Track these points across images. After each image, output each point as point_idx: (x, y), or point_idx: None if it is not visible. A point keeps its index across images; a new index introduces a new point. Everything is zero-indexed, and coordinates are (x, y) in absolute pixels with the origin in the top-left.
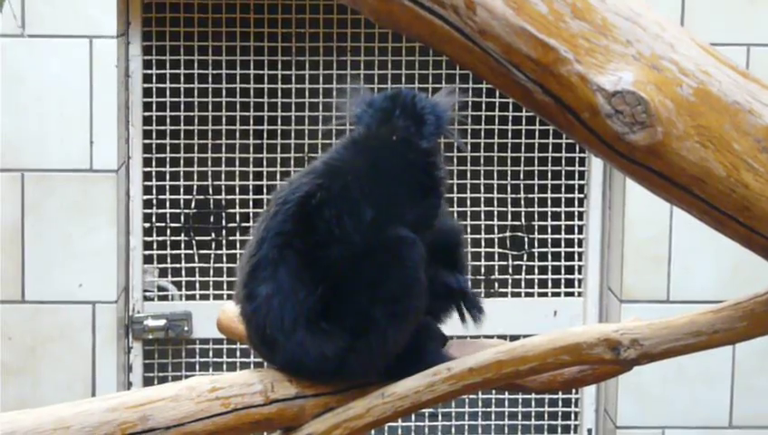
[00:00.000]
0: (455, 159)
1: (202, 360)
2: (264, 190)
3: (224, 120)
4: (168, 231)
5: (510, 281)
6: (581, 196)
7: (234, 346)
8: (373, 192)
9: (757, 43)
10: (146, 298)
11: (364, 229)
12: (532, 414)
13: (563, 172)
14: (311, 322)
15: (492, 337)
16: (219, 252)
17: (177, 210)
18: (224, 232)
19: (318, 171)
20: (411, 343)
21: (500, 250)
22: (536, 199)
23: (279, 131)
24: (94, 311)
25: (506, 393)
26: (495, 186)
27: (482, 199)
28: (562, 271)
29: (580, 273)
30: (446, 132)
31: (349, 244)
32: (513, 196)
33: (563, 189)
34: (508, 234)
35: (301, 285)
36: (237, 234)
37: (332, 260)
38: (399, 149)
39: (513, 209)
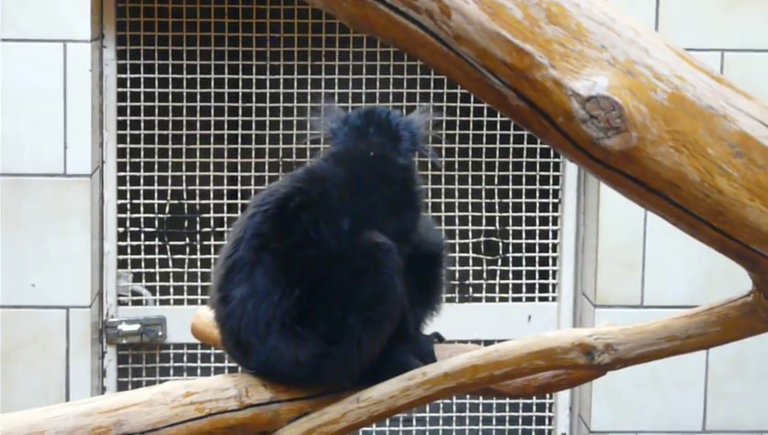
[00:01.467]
0: (429, 165)
1: (176, 365)
2: (239, 195)
3: (198, 124)
4: (143, 236)
5: (484, 286)
6: (556, 201)
7: (208, 351)
8: (351, 201)
9: (731, 48)
10: (120, 303)
11: (341, 235)
12: (507, 419)
13: (538, 177)
14: (285, 326)
15: (466, 342)
16: (194, 257)
17: (152, 215)
18: (198, 237)
19: (297, 177)
20: (386, 348)
21: (474, 255)
22: (510, 204)
23: (253, 136)
24: (68, 316)
25: (480, 398)
26: (470, 191)
27: (456, 204)
28: (537, 276)
29: (554, 278)
30: (421, 149)
31: (325, 249)
32: (488, 201)
33: (538, 194)
34: (482, 239)
35: (276, 287)
36: (212, 239)
37: (308, 264)
38: (377, 165)
39: (488, 214)
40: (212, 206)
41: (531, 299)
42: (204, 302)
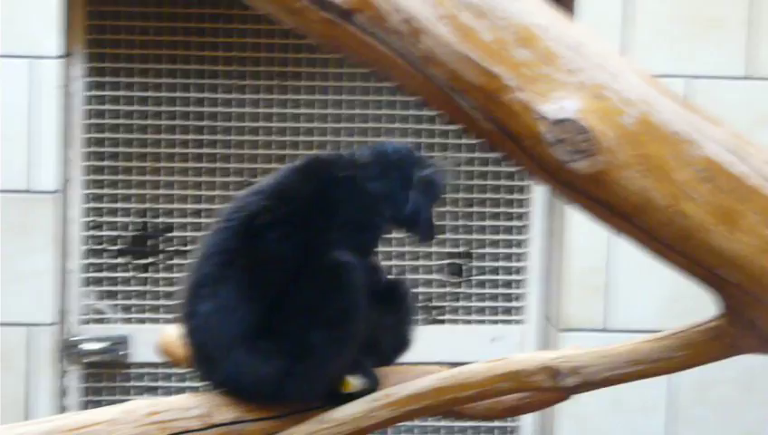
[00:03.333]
0: None
1: (140, 384)
2: (203, 214)
3: (163, 143)
4: (107, 254)
5: (449, 308)
6: (523, 223)
7: (172, 371)
8: (319, 220)
9: (697, 75)
10: (83, 321)
11: (307, 253)
12: None
13: (503, 200)
14: (249, 341)
15: (432, 364)
16: (158, 275)
17: (116, 232)
18: (162, 255)
19: (265, 193)
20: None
21: (440, 277)
22: (475, 227)
23: (218, 155)
24: (31, 333)
25: (445, 420)
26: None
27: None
28: (502, 299)
29: (519, 301)
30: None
31: (291, 266)
32: (453, 223)
33: (504, 217)
34: (447, 261)
35: (241, 303)
36: (176, 258)
37: (274, 281)
38: (347, 185)
39: (453, 236)
40: (176, 224)
41: (495, 322)
42: (168, 321)
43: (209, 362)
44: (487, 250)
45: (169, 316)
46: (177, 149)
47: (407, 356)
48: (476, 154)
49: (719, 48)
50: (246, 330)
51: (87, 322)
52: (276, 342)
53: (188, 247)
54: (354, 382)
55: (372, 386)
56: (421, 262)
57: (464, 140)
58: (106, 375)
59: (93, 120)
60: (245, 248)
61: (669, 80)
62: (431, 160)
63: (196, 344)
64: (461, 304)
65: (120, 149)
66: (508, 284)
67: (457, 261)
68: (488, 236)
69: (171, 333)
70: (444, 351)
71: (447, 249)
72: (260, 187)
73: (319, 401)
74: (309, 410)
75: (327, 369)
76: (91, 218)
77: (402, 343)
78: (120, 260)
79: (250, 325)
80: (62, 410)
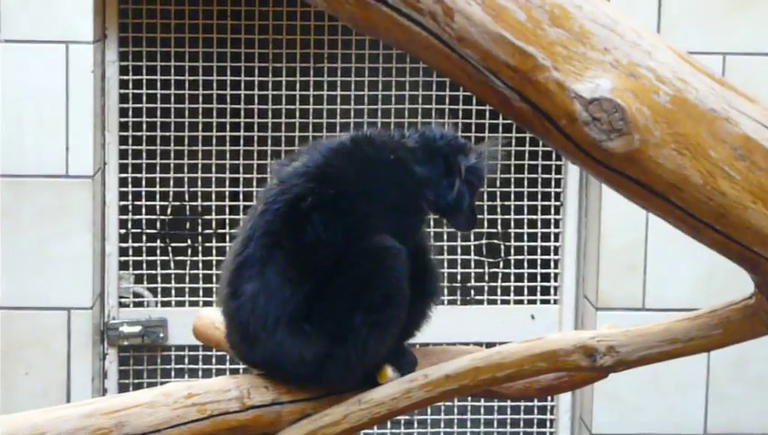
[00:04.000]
0: None
1: (178, 366)
2: (241, 197)
3: (200, 126)
4: (144, 237)
5: (486, 288)
6: (558, 203)
7: (209, 353)
8: (363, 204)
9: (733, 51)
10: (121, 304)
11: (351, 237)
12: (508, 422)
13: (540, 180)
14: (293, 322)
15: (468, 344)
16: (195, 258)
17: (153, 216)
18: (200, 238)
19: (309, 175)
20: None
21: (476, 257)
22: (512, 207)
23: (255, 138)
24: (69, 317)
25: (482, 400)
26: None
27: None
28: (538, 278)
29: (556, 280)
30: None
31: (335, 249)
32: (490, 203)
33: (539, 197)
34: (484, 241)
35: (287, 284)
36: (213, 240)
37: (319, 263)
38: (394, 168)
39: (490, 217)
40: (214, 207)
41: (532, 302)
42: (205, 303)
43: (251, 342)
44: (524, 230)
45: (207, 299)
46: (213, 132)
47: (440, 336)
48: (512, 134)
49: (752, 25)
50: (290, 311)
51: (125, 305)
52: (319, 323)
53: (225, 230)
54: (390, 374)
55: (410, 367)
56: (458, 242)
57: (499, 120)
58: (144, 358)
59: (129, 105)
60: (291, 231)
61: (705, 57)
62: (476, 148)
63: (239, 324)
64: (498, 284)
65: (157, 133)
66: (545, 263)
67: (494, 241)
68: (524, 216)
69: (207, 316)
70: (481, 331)
71: (484, 230)
72: (304, 167)
73: (357, 383)
74: (345, 391)
75: (367, 353)
76: (128, 202)
77: (422, 320)
78: (157, 244)
79: (294, 307)
80: (102, 392)
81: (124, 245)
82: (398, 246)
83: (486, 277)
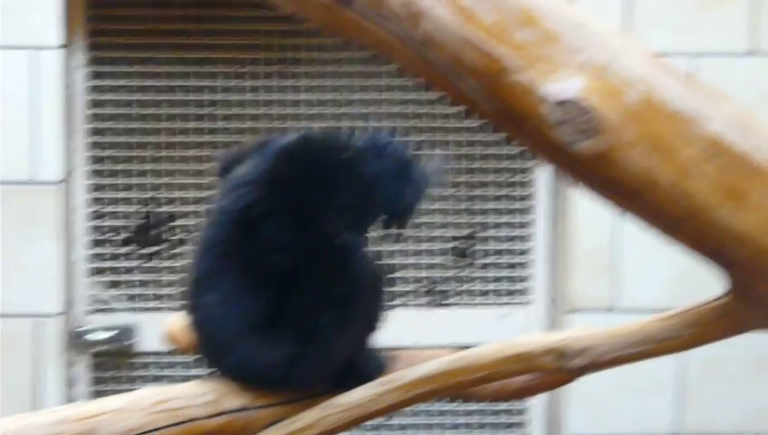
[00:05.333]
0: None
1: (147, 373)
2: (206, 202)
3: (165, 131)
4: (112, 244)
5: (456, 291)
6: (528, 205)
7: (181, 359)
8: (313, 203)
9: (703, 52)
10: (89, 311)
11: (307, 239)
12: (482, 424)
13: (508, 181)
14: (256, 330)
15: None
16: (163, 264)
17: (121, 222)
18: (167, 244)
19: (258, 182)
20: (359, 351)
21: (445, 260)
22: (480, 209)
23: (219, 143)
24: (37, 324)
25: (454, 403)
26: (440, 195)
27: (426, 209)
28: (508, 281)
29: (526, 282)
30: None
31: (292, 253)
32: (457, 206)
33: (509, 199)
34: (453, 244)
35: (244, 293)
36: (180, 246)
37: (276, 268)
38: (345, 168)
39: (458, 220)
40: (180, 213)
41: (503, 304)
42: (176, 309)
43: (217, 353)
44: (492, 232)
45: (175, 305)
46: (178, 138)
47: (410, 339)
48: (479, 136)
49: (722, 25)
50: (251, 319)
51: (93, 312)
52: (283, 328)
53: (192, 236)
54: None
55: (379, 370)
56: (425, 245)
57: (465, 123)
58: (113, 364)
59: (95, 110)
60: (244, 239)
61: (675, 57)
62: (424, 154)
63: (204, 336)
64: (466, 287)
65: (123, 139)
66: (513, 266)
67: (462, 244)
68: (492, 219)
69: (177, 321)
70: (450, 334)
71: (452, 232)
72: (252, 174)
73: (328, 385)
74: (317, 395)
75: (336, 350)
76: (95, 208)
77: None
78: (124, 250)
79: (255, 314)
80: (70, 400)
81: (91, 251)
82: (357, 242)
83: (454, 281)
